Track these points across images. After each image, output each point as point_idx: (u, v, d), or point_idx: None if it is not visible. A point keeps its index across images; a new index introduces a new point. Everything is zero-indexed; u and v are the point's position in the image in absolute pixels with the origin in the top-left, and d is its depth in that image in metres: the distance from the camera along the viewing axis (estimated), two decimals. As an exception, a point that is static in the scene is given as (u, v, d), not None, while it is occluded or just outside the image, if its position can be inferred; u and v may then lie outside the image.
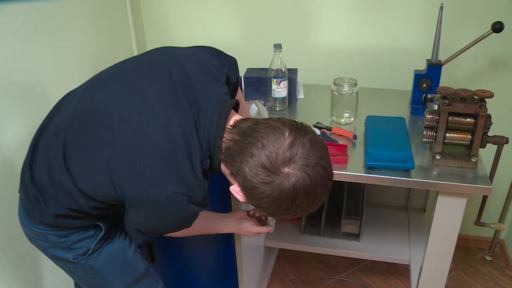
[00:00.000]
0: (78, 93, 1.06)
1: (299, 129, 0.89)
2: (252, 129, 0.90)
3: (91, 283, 1.19)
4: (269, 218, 1.36)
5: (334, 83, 1.53)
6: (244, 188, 0.90)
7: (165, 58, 1.02)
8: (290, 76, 1.70)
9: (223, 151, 0.94)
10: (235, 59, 1.16)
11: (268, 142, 0.86)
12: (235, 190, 0.94)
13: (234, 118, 0.98)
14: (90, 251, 1.12)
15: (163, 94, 0.94)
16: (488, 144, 1.28)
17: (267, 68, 1.63)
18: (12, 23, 1.33)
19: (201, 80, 0.98)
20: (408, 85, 1.75)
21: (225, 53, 1.15)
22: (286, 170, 0.85)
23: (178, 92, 0.95)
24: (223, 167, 0.97)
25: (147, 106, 0.93)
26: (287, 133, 0.87)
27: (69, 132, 0.99)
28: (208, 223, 1.28)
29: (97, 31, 1.75)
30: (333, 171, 1.26)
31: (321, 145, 0.90)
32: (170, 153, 0.90)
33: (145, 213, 0.94)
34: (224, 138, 0.94)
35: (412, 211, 2.04)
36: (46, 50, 1.48)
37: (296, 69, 1.80)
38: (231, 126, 0.95)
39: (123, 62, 1.07)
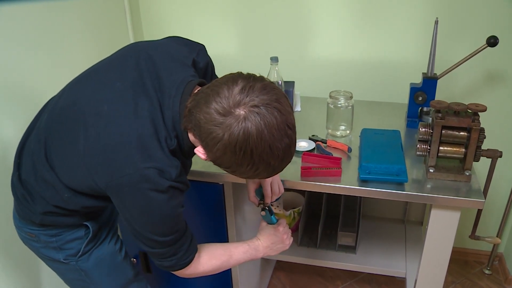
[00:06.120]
0: (57, 96, 1.10)
1: (252, 76, 0.90)
2: (208, 86, 0.92)
3: (80, 285, 1.21)
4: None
5: (330, 96, 1.54)
6: (201, 138, 0.89)
7: (134, 51, 1.05)
8: (287, 88, 1.72)
9: (186, 114, 0.93)
10: (203, 45, 1.18)
11: (221, 90, 0.87)
12: (199, 150, 0.93)
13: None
14: (80, 253, 1.14)
15: (131, 83, 0.98)
16: (482, 158, 1.28)
17: (264, 81, 1.64)
18: (7, 24, 1.34)
19: (167, 66, 1.01)
20: (404, 98, 1.76)
21: (193, 41, 1.17)
22: (237, 111, 0.85)
23: (145, 80, 0.98)
24: (191, 137, 0.97)
25: (117, 96, 0.97)
26: (239, 80, 0.88)
27: (48, 131, 1.03)
28: (239, 249, 1.22)
29: (95, 35, 1.76)
30: (328, 184, 1.29)
31: (276, 90, 0.89)
32: (139, 135, 0.92)
33: (128, 200, 0.95)
34: (186, 104, 0.95)
35: (409, 224, 2.04)
36: (42, 51, 1.48)
37: (293, 81, 1.81)
38: (194, 94, 0.95)
39: (98, 62, 1.10)
